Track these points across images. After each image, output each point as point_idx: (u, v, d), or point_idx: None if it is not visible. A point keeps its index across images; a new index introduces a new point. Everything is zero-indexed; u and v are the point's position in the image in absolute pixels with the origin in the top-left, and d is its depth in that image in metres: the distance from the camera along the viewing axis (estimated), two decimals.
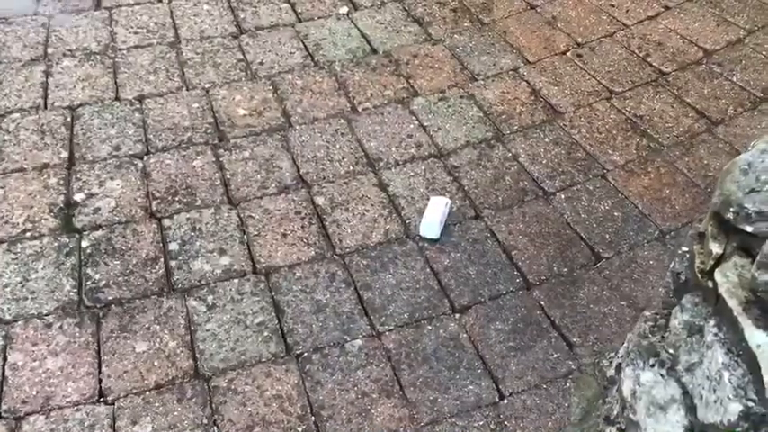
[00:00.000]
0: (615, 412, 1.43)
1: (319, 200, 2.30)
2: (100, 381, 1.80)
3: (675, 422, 1.22)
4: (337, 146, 2.50)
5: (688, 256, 1.32)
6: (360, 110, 2.65)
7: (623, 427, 1.37)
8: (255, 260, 2.11)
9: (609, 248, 2.17)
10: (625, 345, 1.61)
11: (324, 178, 2.38)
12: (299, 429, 1.73)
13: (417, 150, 2.49)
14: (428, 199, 2.26)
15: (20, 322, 1.92)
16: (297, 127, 2.57)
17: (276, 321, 1.96)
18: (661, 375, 1.28)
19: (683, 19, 3.09)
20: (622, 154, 2.47)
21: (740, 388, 1.08)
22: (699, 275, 1.22)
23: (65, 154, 2.41)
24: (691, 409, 1.21)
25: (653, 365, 1.31)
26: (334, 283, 2.06)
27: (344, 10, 3.14)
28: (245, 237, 2.18)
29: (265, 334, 1.93)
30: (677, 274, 1.34)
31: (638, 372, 1.33)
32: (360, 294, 2.04)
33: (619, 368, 1.58)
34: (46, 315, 1.94)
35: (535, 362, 1.88)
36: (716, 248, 1.18)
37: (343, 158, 2.45)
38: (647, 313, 1.42)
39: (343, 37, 2.99)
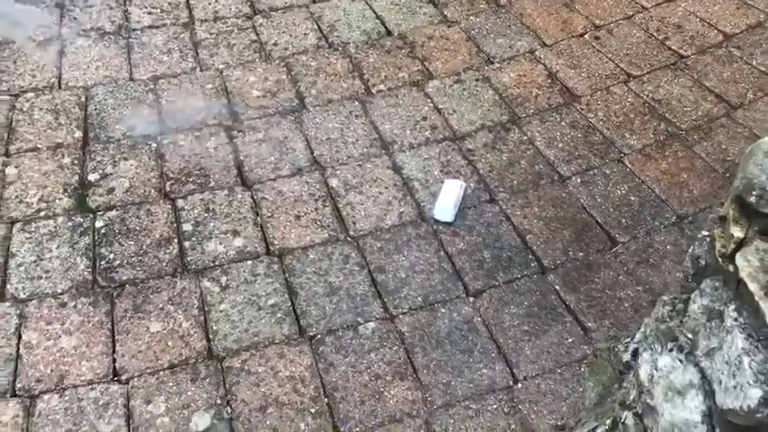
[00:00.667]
0: (632, 397, 1.42)
1: (333, 182, 2.29)
2: (114, 360, 1.81)
3: (694, 407, 1.20)
4: (351, 128, 2.48)
5: (708, 240, 1.30)
6: (374, 92, 2.63)
7: (640, 412, 1.35)
8: (269, 242, 2.11)
9: (625, 233, 2.15)
10: (642, 329, 1.59)
11: (338, 160, 2.36)
12: (312, 410, 1.73)
13: (432, 133, 2.47)
14: (442, 182, 2.25)
15: (34, 301, 1.93)
16: (311, 108, 2.55)
17: (289, 303, 1.95)
18: (679, 360, 1.26)
19: (702, 2, 3.05)
20: (640, 138, 2.44)
21: (761, 373, 1.07)
22: (719, 260, 1.20)
23: (79, 134, 2.41)
24: (709, 394, 1.19)
25: (671, 350, 1.29)
26: (347, 266, 2.05)
27: None
28: (258, 218, 2.17)
29: (279, 315, 1.92)
30: (697, 258, 1.32)
31: (655, 356, 1.31)
32: (373, 277, 2.03)
33: (635, 353, 1.57)
34: (60, 294, 1.95)
35: (549, 346, 1.87)
36: (737, 232, 1.16)
37: (357, 141, 2.44)
38: (665, 298, 1.40)
39: (358, 18, 2.97)
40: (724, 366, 1.15)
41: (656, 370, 1.30)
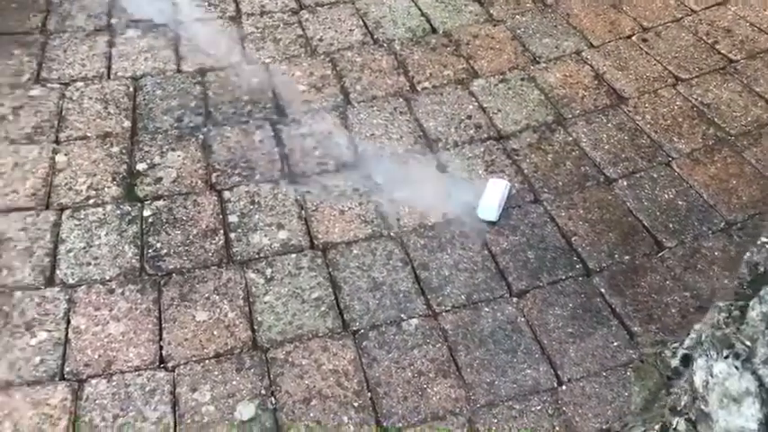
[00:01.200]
0: (683, 403, 1.41)
1: (378, 178, 2.29)
2: (161, 347, 1.83)
3: (750, 415, 1.19)
4: (396, 124, 2.49)
5: (767, 247, 1.28)
6: (419, 89, 2.63)
7: (693, 418, 1.34)
8: (313, 235, 2.12)
9: (672, 238, 2.12)
10: (692, 335, 1.58)
11: (382, 156, 2.36)
12: (356, 404, 1.73)
13: (476, 132, 2.46)
14: (487, 181, 2.24)
15: (83, 287, 1.96)
16: (355, 104, 2.56)
17: (333, 297, 1.96)
18: (735, 367, 1.25)
19: (752, 6, 3.00)
20: (688, 142, 2.41)
21: None
22: None
23: (127, 123, 2.44)
24: (766, 402, 1.18)
25: (727, 357, 1.27)
26: (391, 262, 2.06)
27: None
28: (302, 212, 2.18)
29: (322, 309, 1.93)
30: (755, 264, 1.30)
31: (711, 363, 1.30)
32: (417, 274, 2.03)
33: (685, 359, 1.55)
34: (108, 281, 1.97)
35: (595, 349, 1.86)
36: None
37: (401, 137, 2.44)
38: (720, 304, 1.38)
39: (403, 15, 2.97)
40: None
41: (712, 376, 1.29)
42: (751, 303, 1.26)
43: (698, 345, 1.39)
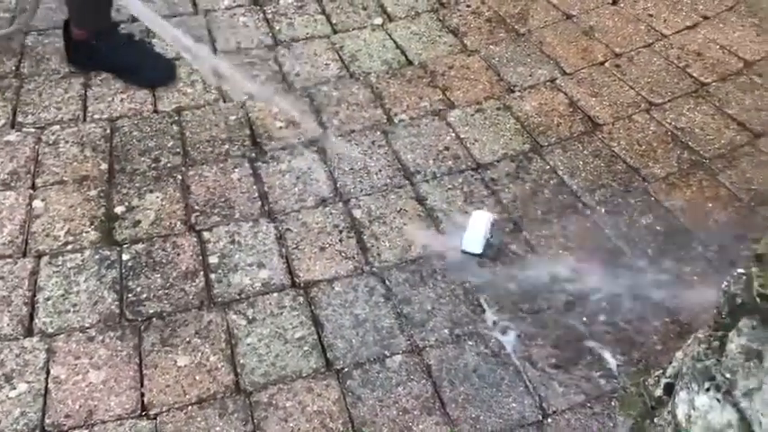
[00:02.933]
0: None
1: (357, 213, 2.30)
2: (142, 395, 1.81)
3: None
4: (374, 158, 2.49)
5: (745, 278, 1.29)
6: (396, 121, 2.64)
7: None
8: (294, 274, 2.11)
9: (651, 263, 2.13)
10: (674, 365, 1.58)
11: (361, 191, 2.37)
12: None
13: (455, 163, 2.48)
14: (467, 212, 2.24)
15: (62, 335, 1.94)
16: (333, 139, 2.57)
17: (316, 336, 1.95)
18: (717, 400, 1.25)
19: (722, 29, 3.05)
20: (663, 166, 2.44)
21: None
22: (758, 299, 1.19)
23: (104, 166, 2.43)
24: None
25: (708, 389, 1.28)
26: (373, 298, 2.05)
27: (379, 21, 3.14)
28: (283, 250, 2.18)
29: (305, 349, 1.92)
30: (733, 296, 1.31)
31: (692, 396, 1.30)
32: (399, 309, 2.02)
33: (668, 388, 1.56)
34: (88, 328, 1.96)
35: (578, 380, 1.86)
36: None
37: (380, 171, 2.45)
38: (700, 335, 1.39)
39: (379, 48, 2.99)
40: (764, 407, 1.14)
41: (694, 409, 1.29)
42: (730, 335, 1.27)
43: (679, 377, 1.39)
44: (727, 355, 1.25)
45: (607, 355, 1.91)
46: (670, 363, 1.63)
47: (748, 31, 3.03)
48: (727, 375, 1.24)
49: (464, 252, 2.16)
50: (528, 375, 1.87)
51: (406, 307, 2.03)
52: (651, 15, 3.14)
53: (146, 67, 2.76)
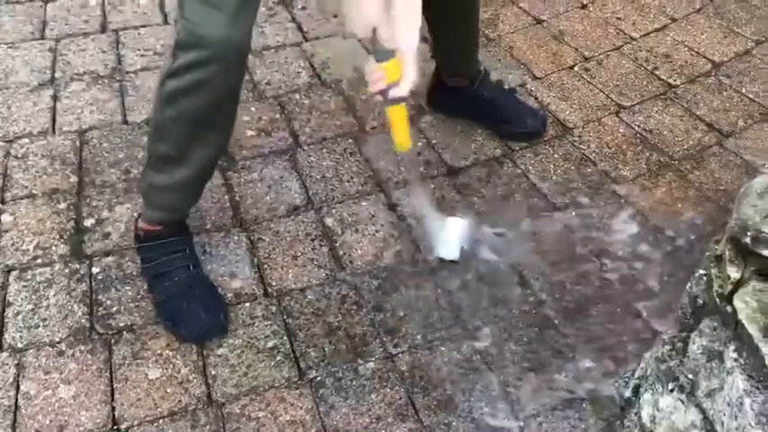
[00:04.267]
0: None
1: (329, 221, 2.30)
2: (113, 409, 1.80)
3: None
4: (346, 165, 2.50)
5: (705, 279, 1.31)
6: (368, 128, 2.65)
7: None
8: (267, 283, 2.11)
9: (621, 263, 2.15)
10: (642, 366, 1.59)
11: (333, 199, 2.37)
12: None
13: (426, 169, 2.48)
14: (441, 218, 2.25)
15: (32, 350, 1.92)
16: (305, 147, 2.57)
17: (288, 345, 1.95)
18: (681, 401, 1.26)
19: (689, 31, 3.09)
20: (633, 168, 2.46)
21: (762, 415, 1.07)
22: (717, 300, 1.21)
23: (74, 179, 2.41)
24: None
25: (672, 390, 1.29)
26: (345, 305, 2.05)
27: None
28: (255, 260, 2.17)
29: (278, 358, 1.92)
30: (695, 297, 1.33)
31: (657, 397, 1.31)
32: (371, 316, 2.02)
33: (636, 389, 1.57)
34: (58, 343, 1.94)
35: (551, 382, 1.87)
36: (734, 273, 1.17)
37: (351, 178, 2.45)
38: (664, 336, 1.40)
39: (350, 55, 2.99)
40: (725, 407, 1.15)
41: (658, 410, 1.30)
42: (692, 336, 1.28)
43: (644, 378, 1.40)
44: (689, 356, 1.26)
45: (579, 357, 1.92)
46: (638, 364, 1.64)
47: (716, 33, 3.06)
48: (690, 376, 1.25)
49: (438, 258, 2.16)
50: (501, 380, 1.87)
51: (379, 314, 2.03)
52: (620, 18, 3.17)
53: None
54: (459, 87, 2.59)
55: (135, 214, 2.17)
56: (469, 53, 2.58)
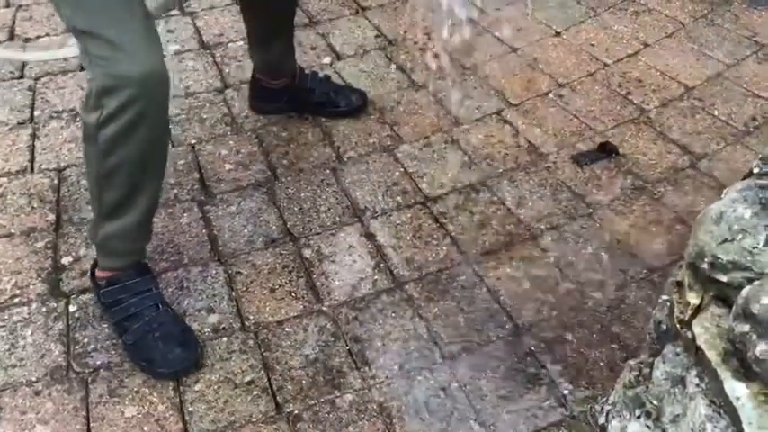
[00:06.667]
0: None
1: (307, 252, 2.31)
2: None
3: None
4: (323, 196, 2.51)
5: (668, 305, 1.32)
6: (345, 159, 2.67)
7: None
8: (244, 317, 2.11)
9: (597, 289, 2.16)
10: (615, 391, 1.60)
11: (311, 230, 2.38)
12: None
13: (403, 198, 2.50)
14: (416, 248, 2.26)
15: (8, 391, 1.91)
16: (282, 179, 2.58)
17: (266, 379, 1.95)
18: (647, 427, 1.27)
19: (662, 55, 3.13)
20: (607, 193, 2.48)
21: None
22: (678, 326, 1.22)
23: (52, 217, 2.42)
24: None
25: (638, 417, 1.30)
26: (323, 337, 2.06)
27: (328, 60, 3.18)
28: (233, 293, 2.18)
29: (255, 393, 1.91)
30: (659, 322, 1.34)
31: (624, 423, 1.32)
32: (349, 347, 2.03)
33: (609, 415, 1.57)
34: (35, 382, 1.93)
35: (528, 409, 1.87)
36: (693, 299, 1.18)
37: (329, 209, 2.46)
38: (631, 362, 1.41)
39: None
40: None
41: None
42: (655, 362, 1.29)
43: (612, 405, 1.41)
44: (654, 381, 1.27)
45: (556, 384, 1.92)
46: (613, 389, 1.65)
47: (688, 57, 3.11)
48: (655, 402, 1.26)
49: (411, 287, 2.17)
50: (478, 407, 1.87)
51: (356, 345, 2.03)
52: (593, 45, 3.22)
53: None
54: (282, 87, 2.76)
55: (88, 266, 2.18)
56: (293, 55, 2.73)
